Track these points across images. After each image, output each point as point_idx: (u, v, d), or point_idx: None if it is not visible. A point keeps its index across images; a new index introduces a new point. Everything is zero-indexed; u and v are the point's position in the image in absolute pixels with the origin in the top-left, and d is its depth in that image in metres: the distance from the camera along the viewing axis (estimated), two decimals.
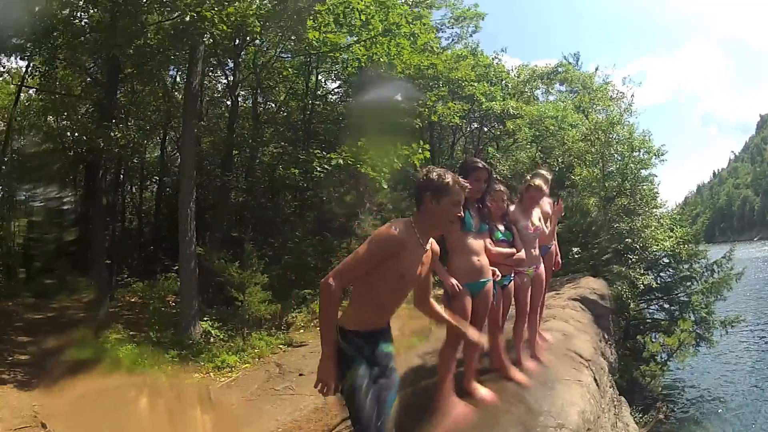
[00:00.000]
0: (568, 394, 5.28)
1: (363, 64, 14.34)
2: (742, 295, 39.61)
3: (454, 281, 4.00)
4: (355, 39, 13.97)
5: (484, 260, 4.27)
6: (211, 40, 13.07)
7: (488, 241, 4.61)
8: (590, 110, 17.82)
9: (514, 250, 4.93)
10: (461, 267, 4.16)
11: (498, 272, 4.52)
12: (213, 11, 10.68)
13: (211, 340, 10.94)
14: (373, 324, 2.97)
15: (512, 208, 5.39)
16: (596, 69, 23.93)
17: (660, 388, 16.20)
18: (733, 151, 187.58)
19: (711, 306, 18.56)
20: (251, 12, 12.14)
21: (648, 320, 17.17)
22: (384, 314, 3.04)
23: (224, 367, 9.97)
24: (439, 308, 3.46)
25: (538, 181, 5.57)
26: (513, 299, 5.31)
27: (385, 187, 12.91)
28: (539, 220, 5.63)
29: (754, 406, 18.80)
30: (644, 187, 16.55)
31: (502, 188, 5.02)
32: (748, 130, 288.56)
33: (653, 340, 15.30)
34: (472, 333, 3.64)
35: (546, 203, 6.32)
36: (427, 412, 4.19)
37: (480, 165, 4.40)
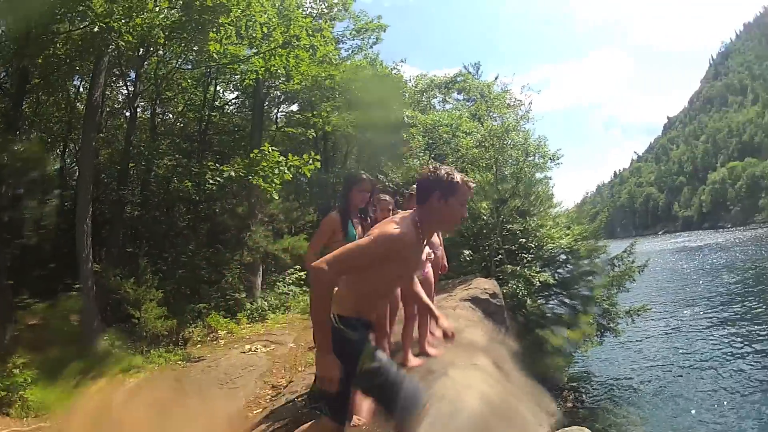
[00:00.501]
0: (465, 378, 5.37)
1: (261, 75, 14.39)
2: (649, 286, 41.37)
3: None
4: (255, 51, 13.99)
5: None
6: (116, 51, 12.82)
7: None
8: (486, 118, 18.36)
9: None
10: None
11: None
12: (120, 22, 10.59)
13: (113, 360, 10.60)
14: (366, 313, 2.87)
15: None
16: (496, 78, 24.81)
17: (566, 379, 16.98)
18: (636, 152, 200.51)
19: (614, 298, 19.38)
20: (157, 23, 11.97)
21: (548, 315, 17.28)
22: (378, 305, 3.01)
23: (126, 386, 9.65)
24: (420, 289, 3.45)
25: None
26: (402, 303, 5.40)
27: (276, 198, 12.95)
28: None
29: (664, 392, 19.35)
30: (538, 189, 17.09)
31: (387, 198, 5.17)
32: (653, 132, 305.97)
33: (555, 334, 15.63)
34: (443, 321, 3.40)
35: None
36: None
37: (364, 176, 4.54)
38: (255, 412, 7.82)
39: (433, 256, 5.82)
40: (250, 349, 11.16)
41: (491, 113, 18.51)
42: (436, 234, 6.05)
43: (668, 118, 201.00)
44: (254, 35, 13.18)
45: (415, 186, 6.00)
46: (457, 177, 2.84)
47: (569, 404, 14.33)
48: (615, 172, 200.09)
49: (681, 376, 20.75)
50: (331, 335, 2.63)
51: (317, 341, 2.73)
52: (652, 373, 21.19)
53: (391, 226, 2.74)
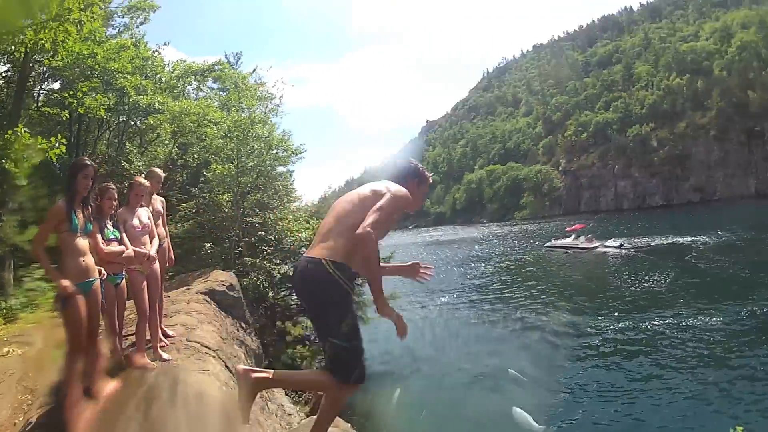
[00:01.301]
0: (197, 385, 5.42)
1: (28, 48, 13.09)
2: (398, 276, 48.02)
3: (66, 282, 4.02)
4: (30, 22, 12.68)
5: (89, 260, 4.34)
6: None
7: (100, 239, 4.80)
8: (236, 109, 18.47)
9: (123, 248, 5.15)
10: (71, 267, 4.18)
11: (104, 271, 4.75)
12: None
13: None
14: (354, 266, 3.20)
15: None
16: (254, 69, 25.10)
17: (315, 368, 16.84)
18: (391, 153, 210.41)
19: (359, 288, 20.51)
20: None
21: (293, 306, 18.20)
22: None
23: None
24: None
25: (140, 179, 5.81)
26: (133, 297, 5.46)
27: (24, 183, 11.90)
28: (149, 218, 5.83)
29: (413, 371, 22.40)
30: (279, 183, 17.57)
31: (112, 186, 5.16)
32: (410, 134, 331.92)
33: (295, 325, 16.23)
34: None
35: (158, 201, 6.64)
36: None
37: (88, 162, 4.41)
38: (20, 419, 7.19)
39: (152, 228, 5.89)
40: (8, 352, 10.32)
41: (241, 104, 18.60)
42: (161, 225, 6.55)
43: (428, 121, 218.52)
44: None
45: (154, 169, 6.57)
46: (428, 174, 3.75)
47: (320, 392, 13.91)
48: (365, 169, 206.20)
49: (431, 356, 23.85)
50: (338, 287, 3.05)
51: (377, 293, 3.10)
52: (402, 357, 23.33)
53: (403, 190, 3.38)
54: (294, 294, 19.07)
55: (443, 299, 37.31)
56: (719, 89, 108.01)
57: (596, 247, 56.67)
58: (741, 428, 6.52)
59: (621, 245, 55.72)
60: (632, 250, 54.07)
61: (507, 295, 37.71)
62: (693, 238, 56.68)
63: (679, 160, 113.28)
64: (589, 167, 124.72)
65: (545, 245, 64.08)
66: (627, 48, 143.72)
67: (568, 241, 60.86)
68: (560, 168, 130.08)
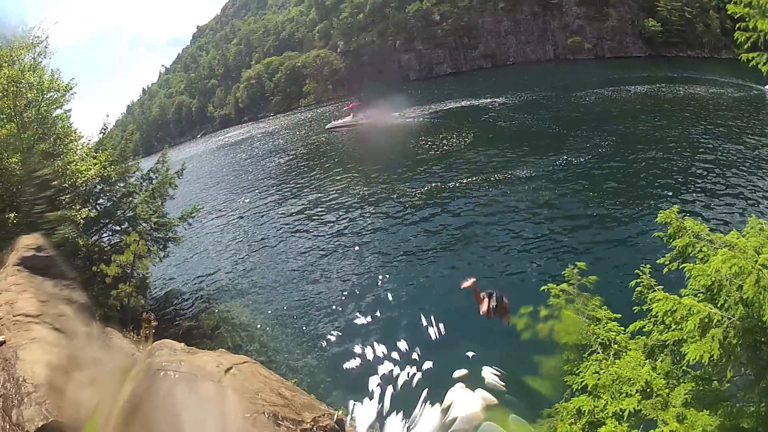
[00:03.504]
0: (30, 355, 6.01)
1: None
2: (201, 187, 48.09)
3: None
4: None
5: None
6: None
7: None
8: (7, 63, 17.17)
9: None
10: None
11: None
12: None
13: None
14: None
15: None
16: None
17: (144, 302, 18.11)
18: (163, 65, 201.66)
19: (161, 209, 21.34)
20: None
21: (106, 248, 18.57)
22: None
23: None
24: None
25: None
26: None
27: None
28: None
29: (242, 277, 23.60)
30: (59, 126, 17.52)
31: None
32: (181, 43, 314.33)
33: (110, 263, 16.24)
34: None
35: None
36: None
37: None
38: None
39: None
40: None
41: (12, 58, 17.35)
42: None
43: (198, 27, 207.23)
44: None
45: None
46: None
47: (154, 323, 14.83)
48: (144, 89, 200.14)
49: (253, 257, 25.70)
50: None
51: None
52: (228, 264, 25.35)
53: None
54: (105, 233, 19.88)
55: (245, 200, 38.89)
56: None
57: (375, 121, 59.52)
58: (582, 264, 7.62)
59: (400, 116, 58.71)
60: (415, 118, 57.54)
61: (302, 182, 40.10)
62: (489, 99, 60.46)
63: (465, 30, 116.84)
64: (369, 45, 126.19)
65: (326, 127, 66.08)
66: None
67: (348, 119, 63.14)
68: (339, 50, 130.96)
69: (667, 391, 6.01)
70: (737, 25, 6.06)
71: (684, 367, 6.35)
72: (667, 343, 6.32)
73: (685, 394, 5.92)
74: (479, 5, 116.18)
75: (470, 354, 13.76)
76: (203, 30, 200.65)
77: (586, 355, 6.78)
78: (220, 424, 6.22)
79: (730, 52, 78.63)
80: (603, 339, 6.76)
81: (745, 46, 6.06)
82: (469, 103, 61.61)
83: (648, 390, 5.97)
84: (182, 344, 8.22)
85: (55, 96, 17.54)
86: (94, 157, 18.30)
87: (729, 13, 6.15)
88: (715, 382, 6.39)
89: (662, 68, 74.66)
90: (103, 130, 21.39)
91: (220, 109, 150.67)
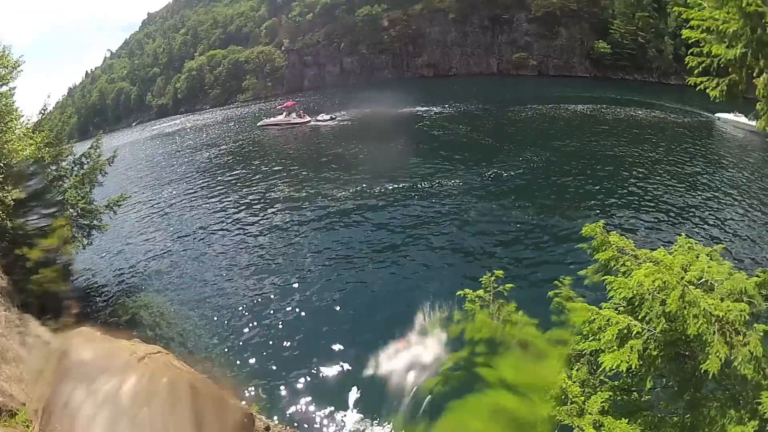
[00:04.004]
0: None
1: None
2: (131, 175, 48.07)
3: None
4: None
5: None
6: None
7: None
8: None
9: None
10: None
11: None
12: None
13: None
14: None
15: None
16: None
17: (65, 289, 17.59)
18: (109, 50, 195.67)
19: (89, 195, 21.63)
20: None
21: (31, 231, 18.14)
22: None
23: None
24: None
25: None
26: None
27: None
28: None
29: (164, 263, 24.71)
30: (2, 103, 17.66)
31: None
32: (131, 29, 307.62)
33: (33, 247, 15.94)
34: None
35: None
36: None
37: None
38: None
39: None
40: None
41: None
42: None
43: (149, 14, 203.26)
44: None
45: None
46: None
47: (74, 311, 14.20)
48: (87, 72, 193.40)
49: (175, 249, 26.53)
50: None
51: None
52: (150, 255, 25.98)
53: None
54: (32, 217, 19.28)
55: (171, 192, 39.45)
56: None
57: (308, 122, 60.81)
58: (500, 272, 7.60)
59: (333, 118, 60.39)
60: (350, 122, 58.98)
61: (228, 178, 41.10)
62: (426, 108, 61.80)
63: (411, 38, 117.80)
64: (314, 45, 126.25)
65: (258, 124, 66.97)
66: None
67: (280, 118, 63.83)
68: (283, 48, 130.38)
69: (582, 398, 6.09)
70: (690, 50, 6.12)
71: (601, 378, 6.50)
72: (584, 352, 6.43)
73: (602, 402, 5.99)
74: (429, 14, 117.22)
75: (380, 352, 14.60)
76: (154, 17, 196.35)
77: (502, 349, 6.42)
78: (129, 420, 5.70)
79: (679, 78, 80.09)
80: (521, 340, 6.47)
81: (696, 71, 6.06)
82: (406, 110, 62.82)
83: (563, 397, 6.06)
84: (99, 332, 7.69)
85: (2, 72, 17.73)
86: (31, 138, 18.59)
87: (684, 37, 6.14)
88: (634, 393, 6.57)
89: (606, 89, 76.72)
90: (42, 111, 21.67)
91: (159, 98, 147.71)
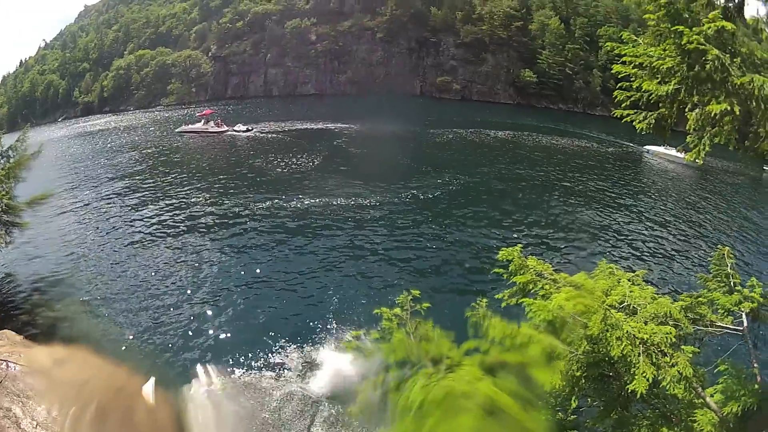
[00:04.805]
0: None
1: None
2: (55, 172, 47.45)
3: None
4: None
5: None
6: None
7: None
8: None
9: None
10: None
11: None
12: None
13: None
14: None
15: None
16: None
17: None
18: (44, 39, 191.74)
19: (11, 191, 21.47)
20: None
21: None
22: None
23: None
24: None
25: None
26: None
27: None
28: None
29: (90, 263, 24.90)
30: None
31: None
32: (67, 20, 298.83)
33: None
34: None
35: None
36: None
37: None
38: None
39: None
40: None
41: None
42: None
43: (86, 6, 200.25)
44: None
45: None
46: None
47: None
48: (21, 61, 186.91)
49: (95, 252, 26.61)
50: None
51: None
52: (71, 258, 25.81)
53: None
54: None
55: (92, 194, 39.67)
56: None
57: (226, 131, 62.74)
58: (417, 291, 6.85)
59: (249, 129, 62.44)
60: (269, 134, 60.14)
61: (146, 184, 41.49)
62: (346, 125, 62.94)
63: (337, 54, 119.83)
64: (240, 54, 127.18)
65: (176, 130, 67.66)
66: None
67: (198, 126, 65.60)
68: (210, 54, 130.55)
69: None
70: (619, 84, 6.00)
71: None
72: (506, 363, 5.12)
73: None
74: (358, 32, 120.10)
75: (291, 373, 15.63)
76: (89, 10, 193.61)
77: (413, 371, 5.02)
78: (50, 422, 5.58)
79: (605, 109, 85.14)
80: (434, 355, 5.11)
81: (624, 105, 5.99)
82: (325, 126, 64.39)
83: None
84: (21, 336, 8.32)
85: None
86: None
87: (614, 72, 6.04)
88: (559, 413, 6.72)
89: (530, 117, 78.72)
90: None
91: (86, 95, 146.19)
